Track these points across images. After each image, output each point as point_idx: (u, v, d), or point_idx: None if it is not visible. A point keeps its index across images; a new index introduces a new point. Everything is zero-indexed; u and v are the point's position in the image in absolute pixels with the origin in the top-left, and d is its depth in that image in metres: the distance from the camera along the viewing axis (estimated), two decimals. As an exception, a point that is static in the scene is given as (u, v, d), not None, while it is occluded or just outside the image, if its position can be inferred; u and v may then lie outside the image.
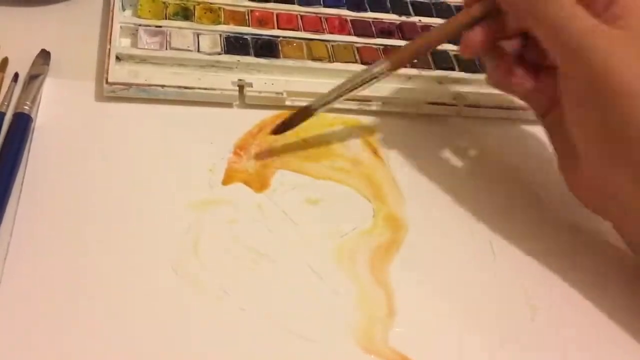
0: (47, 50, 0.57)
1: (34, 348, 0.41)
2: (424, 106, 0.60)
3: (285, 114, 0.55)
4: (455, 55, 0.64)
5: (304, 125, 0.55)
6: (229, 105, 0.58)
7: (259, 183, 0.52)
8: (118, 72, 0.56)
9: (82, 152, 0.51)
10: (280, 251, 0.48)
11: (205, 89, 0.57)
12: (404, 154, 0.57)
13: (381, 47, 0.64)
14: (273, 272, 0.47)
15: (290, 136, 0.55)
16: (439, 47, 0.63)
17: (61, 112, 0.54)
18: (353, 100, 0.59)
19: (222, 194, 0.51)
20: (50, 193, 0.48)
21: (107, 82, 0.55)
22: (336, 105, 0.55)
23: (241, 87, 0.58)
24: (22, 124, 0.51)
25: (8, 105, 0.52)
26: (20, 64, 0.55)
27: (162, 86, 0.56)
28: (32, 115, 0.52)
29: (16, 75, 0.55)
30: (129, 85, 0.55)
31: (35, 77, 0.54)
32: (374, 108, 0.60)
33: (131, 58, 0.57)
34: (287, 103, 0.58)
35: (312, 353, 0.44)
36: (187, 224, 0.48)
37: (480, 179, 0.57)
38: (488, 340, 0.47)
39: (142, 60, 0.57)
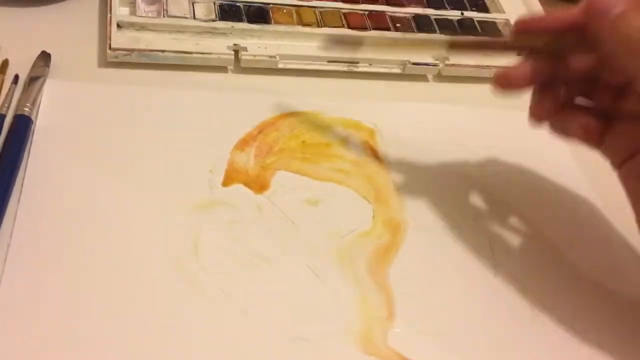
0: (48, 52, 0.56)
1: (34, 348, 0.41)
2: (409, 66, 0.62)
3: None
4: (436, 20, 0.66)
5: (304, 126, 0.57)
6: (224, 69, 0.60)
7: (259, 184, 0.52)
8: (120, 39, 0.57)
9: (81, 154, 0.51)
10: (280, 252, 0.48)
11: (202, 53, 0.59)
12: (404, 155, 0.57)
13: (366, 12, 0.65)
14: (273, 273, 0.47)
15: (290, 138, 0.56)
16: (422, 12, 0.66)
17: (61, 114, 0.53)
18: (341, 62, 0.62)
19: (222, 195, 0.51)
20: (50, 195, 0.48)
21: (110, 48, 0.56)
22: (326, 68, 0.61)
23: (236, 52, 0.60)
24: (22, 126, 0.51)
25: (8, 107, 0.52)
26: (21, 66, 0.55)
27: (162, 51, 0.58)
28: (32, 117, 0.52)
29: (16, 77, 0.54)
30: (131, 50, 0.57)
31: (35, 79, 0.54)
32: (361, 69, 0.62)
33: (132, 25, 0.59)
34: (280, 66, 0.60)
35: (312, 354, 0.44)
36: (188, 225, 0.48)
37: (479, 178, 0.56)
38: (488, 341, 0.47)
39: (142, 27, 0.59)
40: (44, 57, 0.56)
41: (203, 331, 0.43)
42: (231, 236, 0.49)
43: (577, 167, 0.59)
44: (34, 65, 0.56)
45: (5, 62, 0.55)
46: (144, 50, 0.58)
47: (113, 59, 0.57)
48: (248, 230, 0.49)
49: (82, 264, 0.45)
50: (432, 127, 0.59)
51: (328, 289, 0.47)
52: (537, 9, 0.71)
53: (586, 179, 0.58)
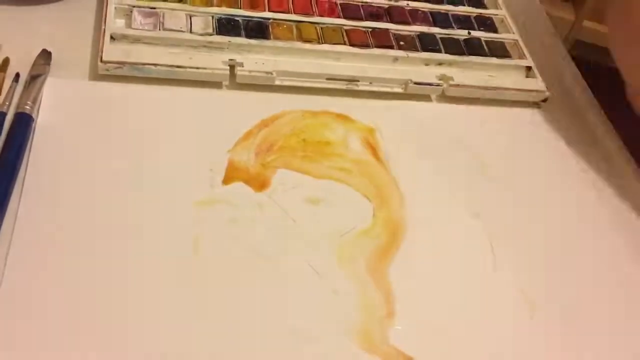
0: (48, 50, 0.56)
1: (35, 347, 0.40)
2: (411, 86, 0.60)
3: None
4: (441, 39, 0.64)
5: (304, 125, 0.56)
6: (218, 85, 0.58)
7: (260, 182, 0.52)
8: (112, 52, 0.55)
9: (82, 152, 0.50)
10: (281, 250, 0.48)
11: (196, 68, 0.56)
12: (404, 153, 0.56)
13: (369, 29, 0.63)
14: (273, 271, 0.47)
15: (290, 136, 0.55)
16: (427, 31, 0.64)
17: (62, 111, 0.53)
18: (341, 80, 0.59)
19: (223, 194, 0.50)
20: (51, 192, 0.47)
21: (101, 60, 0.54)
22: (325, 86, 0.58)
23: (232, 67, 0.57)
24: (23, 124, 0.50)
25: (9, 105, 0.52)
26: (22, 64, 0.55)
27: (155, 65, 0.55)
28: (33, 115, 0.51)
29: (17, 76, 0.54)
30: (122, 63, 0.55)
31: (36, 77, 0.54)
32: (361, 88, 0.60)
33: (125, 38, 0.57)
34: (277, 82, 0.58)
35: (313, 352, 0.43)
36: (188, 224, 0.48)
37: (480, 176, 0.56)
38: (487, 338, 0.47)
39: (136, 40, 0.57)
40: (45, 56, 0.56)
41: (203, 329, 0.43)
42: (231, 234, 0.48)
43: (577, 167, 0.60)
44: (34, 64, 0.55)
45: (6, 61, 0.55)
46: (136, 64, 0.56)
47: (104, 72, 0.55)
48: (248, 228, 0.49)
49: (83, 261, 0.45)
50: (432, 125, 0.59)
51: (328, 286, 0.47)
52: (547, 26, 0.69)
53: (589, 179, 0.59)
